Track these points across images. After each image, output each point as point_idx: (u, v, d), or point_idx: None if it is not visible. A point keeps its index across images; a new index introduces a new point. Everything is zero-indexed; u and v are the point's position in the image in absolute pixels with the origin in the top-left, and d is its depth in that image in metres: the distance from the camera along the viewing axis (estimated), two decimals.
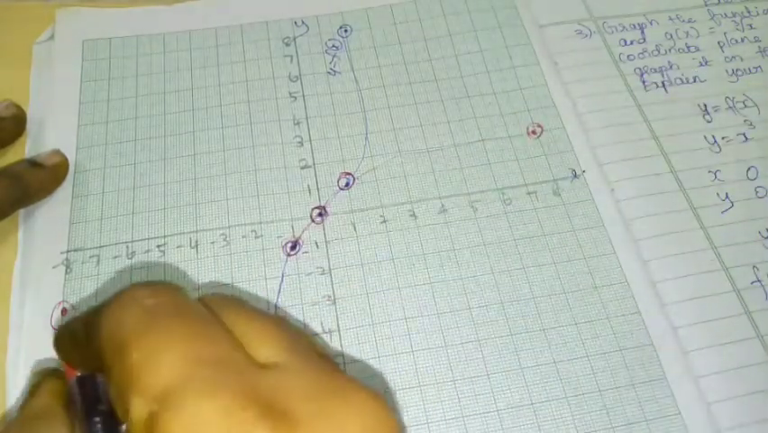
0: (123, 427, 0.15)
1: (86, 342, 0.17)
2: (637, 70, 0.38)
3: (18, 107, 0.34)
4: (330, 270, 0.30)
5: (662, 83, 0.38)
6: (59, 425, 0.20)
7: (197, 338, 0.15)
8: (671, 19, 0.41)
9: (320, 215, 0.32)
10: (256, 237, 0.31)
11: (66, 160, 0.32)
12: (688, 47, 0.39)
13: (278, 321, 0.17)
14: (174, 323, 0.15)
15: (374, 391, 0.15)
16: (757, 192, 0.34)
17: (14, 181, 0.30)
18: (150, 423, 0.13)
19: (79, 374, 0.19)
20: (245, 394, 0.14)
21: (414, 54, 0.37)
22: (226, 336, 0.15)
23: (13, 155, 0.34)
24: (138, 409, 0.14)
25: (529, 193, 0.33)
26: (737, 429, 0.27)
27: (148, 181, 0.33)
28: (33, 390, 0.24)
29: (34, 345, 0.28)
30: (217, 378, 0.14)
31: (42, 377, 0.25)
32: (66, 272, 0.30)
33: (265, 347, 0.16)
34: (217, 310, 0.16)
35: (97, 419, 0.18)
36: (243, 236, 0.31)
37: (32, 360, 0.28)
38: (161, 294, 0.16)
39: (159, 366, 0.14)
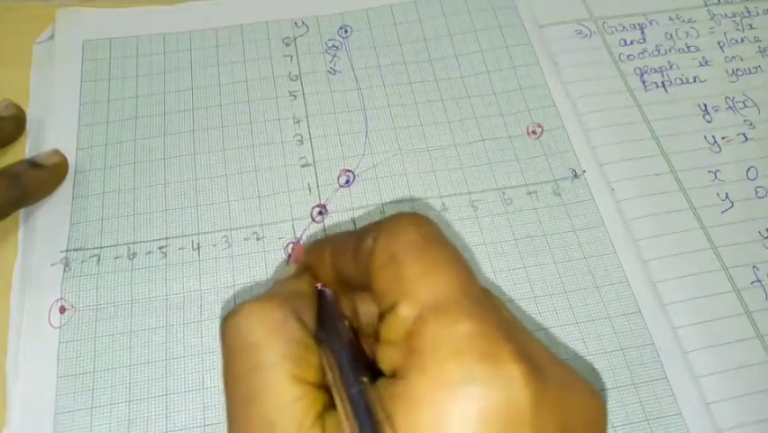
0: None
1: (353, 251, 0.19)
2: (637, 70, 0.38)
3: (18, 107, 0.34)
4: None
5: (662, 83, 0.38)
6: (308, 314, 0.19)
7: (464, 267, 0.17)
8: (671, 19, 0.41)
9: (320, 213, 0.32)
10: (258, 239, 0.31)
11: (65, 160, 0.32)
12: (688, 47, 0.40)
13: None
14: (447, 249, 0.17)
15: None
16: (757, 192, 0.34)
17: (14, 181, 0.30)
18: (414, 328, 0.15)
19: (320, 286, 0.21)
20: (500, 328, 0.15)
21: (414, 54, 0.37)
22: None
23: (13, 155, 0.34)
24: (405, 312, 0.16)
25: (529, 193, 0.33)
26: (737, 429, 0.27)
27: (148, 182, 0.33)
28: (299, 273, 0.23)
29: (34, 344, 0.28)
30: (482, 305, 0.16)
31: (307, 270, 0.23)
32: (64, 270, 0.30)
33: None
34: None
35: (345, 322, 0.19)
36: (245, 239, 0.31)
37: (32, 358, 0.28)
38: (432, 224, 0.18)
39: (434, 282, 0.16)
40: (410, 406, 0.14)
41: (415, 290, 0.16)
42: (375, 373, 0.16)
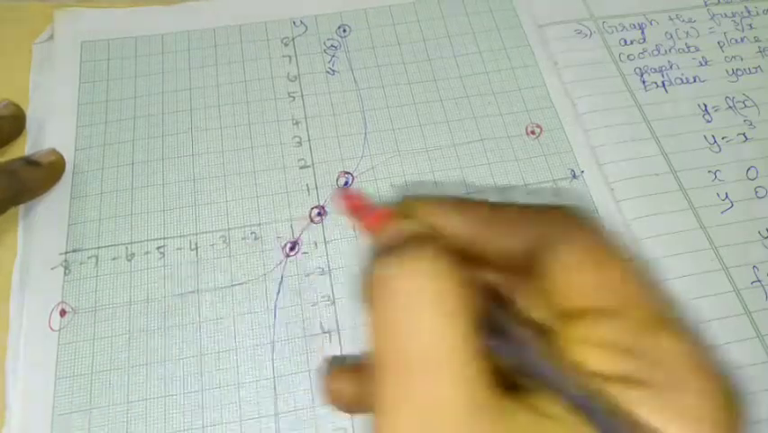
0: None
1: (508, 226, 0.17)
2: (637, 70, 0.38)
3: (17, 106, 0.34)
4: (329, 270, 0.30)
5: (663, 83, 0.38)
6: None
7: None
8: (671, 19, 0.41)
9: (319, 214, 0.32)
10: (255, 239, 0.31)
11: (62, 158, 0.32)
12: (688, 47, 0.39)
13: None
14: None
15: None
16: (757, 192, 0.34)
17: (10, 178, 0.30)
18: (645, 342, 0.15)
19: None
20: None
21: (413, 55, 0.37)
22: None
23: (11, 155, 0.34)
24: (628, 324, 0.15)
25: (528, 193, 0.33)
26: None
27: (146, 182, 0.33)
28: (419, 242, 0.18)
29: (34, 346, 0.28)
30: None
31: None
32: (65, 273, 0.30)
33: None
34: None
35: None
36: (243, 238, 0.31)
37: (32, 360, 0.28)
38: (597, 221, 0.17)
39: (650, 296, 0.16)
40: (680, 419, 0.14)
41: (633, 300, 0.16)
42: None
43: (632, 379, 0.14)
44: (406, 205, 0.18)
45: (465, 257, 0.16)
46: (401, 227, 0.17)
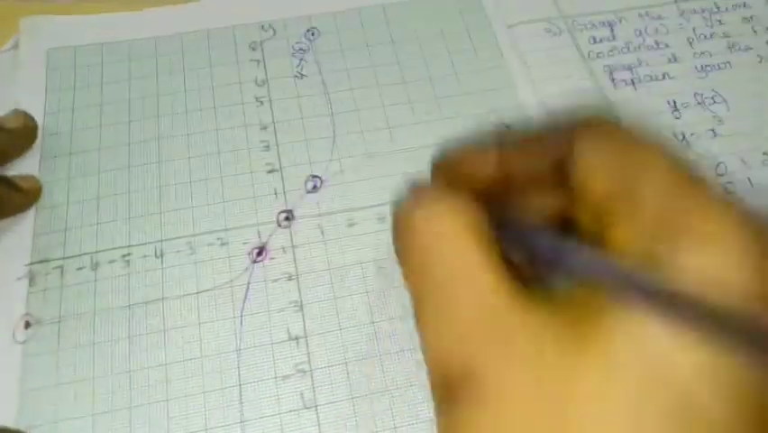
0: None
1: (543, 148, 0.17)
2: (606, 68, 0.38)
3: (27, 116, 0.33)
4: (297, 275, 0.30)
5: (632, 80, 0.38)
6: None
7: None
8: (640, 16, 0.41)
9: (287, 219, 0.32)
10: (222, 245, 0.31)
11: (39, 185, 0.32)
12: (657, 44, 0.39)
13: None
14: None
15: None
16: (727, 187, 0.34)
17: None
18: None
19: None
20: None
21: (382, 57, 0.37)
22: None
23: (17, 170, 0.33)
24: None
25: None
26: None
27: (113, 191, 0.32)
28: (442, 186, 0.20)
29: None
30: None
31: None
32: (30, 285, 0.30)
33: None
34: None
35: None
36: (209, 244, 0.31)
37: None
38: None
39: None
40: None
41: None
42: None
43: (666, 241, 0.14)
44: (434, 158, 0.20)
45: (495, 189, 0.18)
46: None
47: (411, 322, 0.29)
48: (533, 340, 0.14)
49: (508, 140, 0.19)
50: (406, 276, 0.17)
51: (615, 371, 0.13)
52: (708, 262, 0.13)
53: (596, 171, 0.16)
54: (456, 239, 0.16)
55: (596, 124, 0.17)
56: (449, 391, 0.14)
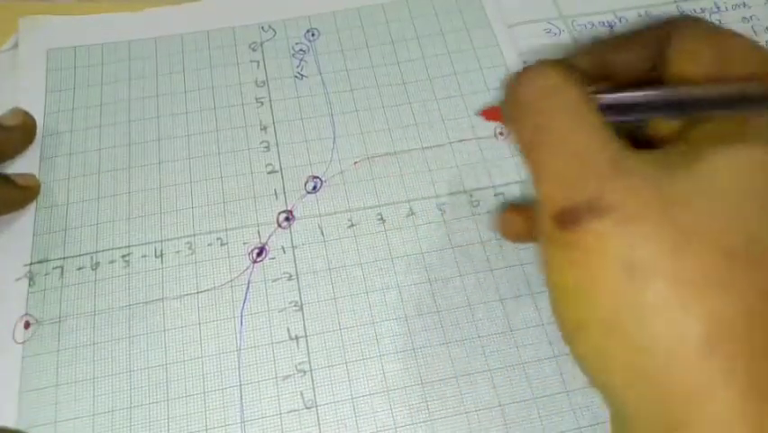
0: None
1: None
2: None
3: (26, 114, 0.33)
4: (297, 275, 0.30)
5: None
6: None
7: None
8: (640, 16, 0.41)
9: (287, 219, 0.32)
10: (222, 245, 0.31)
11: (38, 184, 0.32)
12: None
13: None
14: None
15: None
16: None
17: None
18: None
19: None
20: None
21: (382, 57, 0.37)
22: None
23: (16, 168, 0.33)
24: None
25: (496, 195, 0.33)
26: None
27: (113, 191, 0.32)
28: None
29: None
30: None
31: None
32: (29, 285, 0.30)
33: None
34: None
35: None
36: (209, 244, 0.31)
37: None
38: None
39: None
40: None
41: None
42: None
43: None
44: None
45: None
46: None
47: (411, 322, 0.29)
48: (650, 173, 0.17)
49: (609, 42, 0.23)
50: (523, 128, 0.19)
51: (719, 179, 0.16)
52: None
53: (694, 57, 0.19)
54: (577, 90, 0.18)
55: (689, 21, 0.20)
56: (573, 216, 0.17)
